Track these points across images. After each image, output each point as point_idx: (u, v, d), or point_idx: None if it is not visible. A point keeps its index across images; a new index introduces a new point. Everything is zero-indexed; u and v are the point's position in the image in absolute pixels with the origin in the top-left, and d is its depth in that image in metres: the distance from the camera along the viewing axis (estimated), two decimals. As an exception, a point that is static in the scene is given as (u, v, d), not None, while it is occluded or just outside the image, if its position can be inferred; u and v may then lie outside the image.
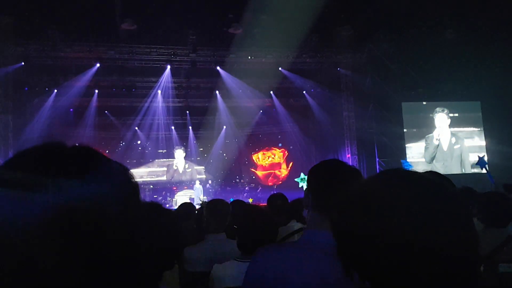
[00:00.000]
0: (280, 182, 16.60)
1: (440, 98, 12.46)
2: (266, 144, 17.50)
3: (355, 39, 11.54)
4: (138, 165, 15.91)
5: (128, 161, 15.27)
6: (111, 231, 0.51)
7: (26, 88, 12.61)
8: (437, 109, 12.35)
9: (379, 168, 12.08)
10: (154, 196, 13.45)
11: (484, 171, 9.21)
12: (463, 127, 12.50)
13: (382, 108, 11.89)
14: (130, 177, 0.59)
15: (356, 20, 10.42)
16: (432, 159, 12.17)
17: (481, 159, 9.12)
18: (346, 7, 10.04)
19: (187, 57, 12.18)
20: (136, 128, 15.58)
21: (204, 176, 15.89)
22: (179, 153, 15.53)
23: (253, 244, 1.91)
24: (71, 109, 14.12)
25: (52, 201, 0.48)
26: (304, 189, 1.44)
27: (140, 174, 15.43)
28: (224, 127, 16.28)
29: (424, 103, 12.65)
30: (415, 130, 12.44)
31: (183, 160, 15.69)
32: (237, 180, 16.60)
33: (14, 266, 0.46)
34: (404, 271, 0.63)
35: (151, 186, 15.10)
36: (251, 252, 1.52)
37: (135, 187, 0.59)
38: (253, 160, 17.48)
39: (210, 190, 14.70)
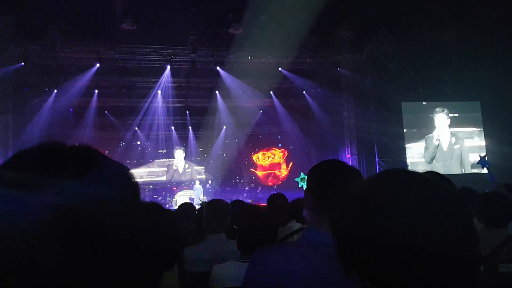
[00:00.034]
0: (280, 182, 16.59)
1: (440, 98, 12.45)
2: (266, 144, 17.50)
3: (355, 39, 11.52)
4: (138, 165, 15.91)
5: (128, 161, 15.29)
6: (111, 231, 0.51)
7: (26, 88, 12.61)
8: (437, 109, 12.34)
9: (379, 168, 12.08)
10: (154, 196, 13.45)
11: (485, 170, 9.21)
12: (463, 127, 12.49)
13: (382, 108, 11.90)
14: (130, 177, 0.59)
15: (356, 20, 10.41)
16: (432, 159, 12.16)
17: (482, 159, 9.13)
18: (346, 7, 10.03)
19: (187, 57, 12.17)
20: (136, 128, 15.58)
21: (204, 176, 15.88)
22: (179, 153, 15.54)
23: (253, 244, 1.91)
24: (71, 109, 14.10)
25: (52, 201, 0.47)
26: (304, 189, 1.44)
27: (140, 174, 15.42)
28: (224, 127, 16.28)
29: (424, 103, 12.64)
30: (415, 130, 12.42)
31: (183, 160, 15.69)
32: (237, 180, 16.59)
33: (14, 266, 0.46)
34: (404, 271, 0.63)
35: (151, 186, 15.10)
36: (251, 252, 1.52)
37: (135, 187, 0.59)
38: (253, 160, 17.48)
39: (210, 190, 14.69)
